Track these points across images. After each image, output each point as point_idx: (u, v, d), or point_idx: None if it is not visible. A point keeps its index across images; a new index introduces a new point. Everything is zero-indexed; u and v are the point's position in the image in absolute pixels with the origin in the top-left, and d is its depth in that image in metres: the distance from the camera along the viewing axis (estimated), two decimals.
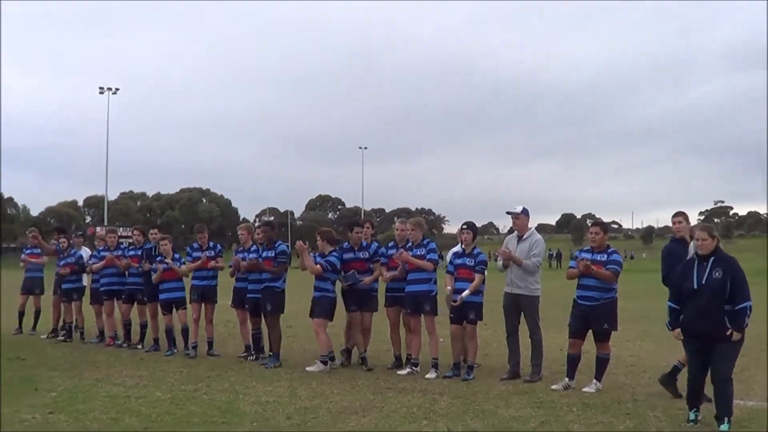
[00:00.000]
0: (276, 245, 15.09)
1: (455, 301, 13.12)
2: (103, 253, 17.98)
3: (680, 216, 12.17)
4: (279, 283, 14.88)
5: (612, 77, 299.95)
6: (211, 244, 16.64)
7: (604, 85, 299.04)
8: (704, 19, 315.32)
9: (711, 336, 9.47)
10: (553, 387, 12.15)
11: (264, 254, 15.02)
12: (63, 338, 18.68)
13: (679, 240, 11.98)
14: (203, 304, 16.27)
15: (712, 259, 9.67)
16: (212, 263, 16.26)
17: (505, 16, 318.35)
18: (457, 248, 13.79)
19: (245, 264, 15.22)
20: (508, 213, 13.69)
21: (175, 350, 16.29)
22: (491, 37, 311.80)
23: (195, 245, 16.59)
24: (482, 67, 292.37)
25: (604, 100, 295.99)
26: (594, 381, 12.15)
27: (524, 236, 13.45)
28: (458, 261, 13.47)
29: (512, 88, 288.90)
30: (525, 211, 13.58)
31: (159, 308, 16.79)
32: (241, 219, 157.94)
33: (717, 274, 9.53)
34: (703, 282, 9.57)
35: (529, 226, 13.64)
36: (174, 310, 16.42)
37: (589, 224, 13.59)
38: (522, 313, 13.32)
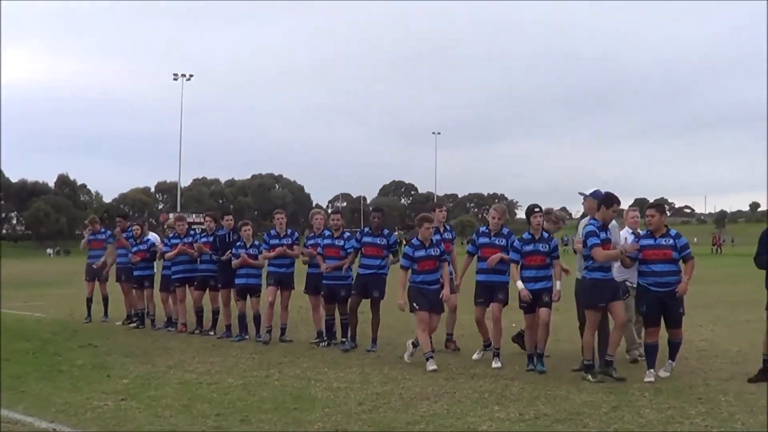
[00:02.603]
0: (386, 234, 15.12)
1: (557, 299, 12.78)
2: (174, 241, 18.06)
3: None
4: (386, 269, 14.88)
5: (691, 62, 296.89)
6: (289, 231, 16.51)
7: (681, 70, 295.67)
8: None
9: None
10: (647, 380, 11.48)
11: (378, 241, 14.91)
12: (135, 325, 18.86)
13: None
14: (280, 290, 16.19)
15: None
16: (290, 252, 16.19)
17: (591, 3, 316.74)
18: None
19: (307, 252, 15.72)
20: (580, 194, 13.16)
21: (246, 336, 16.37)
22: (570, 23, 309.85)
23: (273, 232, 16.43)
24: (559, 56, 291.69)
25: (682, 85, 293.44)
26: (669, 361, 11.97)
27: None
28: (528, 248, 12.80)
29: (589, 76, 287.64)
30: (596, 194, 12.62)
31: (232, 294, 16.85)
32: (314, 204, 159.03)
33: None
34: None
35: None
36: (248, 296, 16.47)
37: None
38: None
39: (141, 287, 18.99)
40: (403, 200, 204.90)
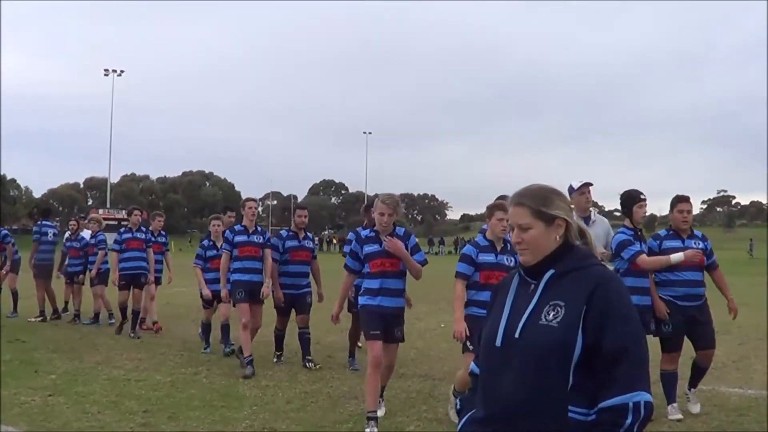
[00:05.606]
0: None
1: None
2: (101, 236, 17.97)
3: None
4: None
5: (620, 70, 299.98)
6: (259, 228, 13.21)
7: (610, 74, 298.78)
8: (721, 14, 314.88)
9: None
10: (674, 417, 9.24)
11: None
12: (55, 318, 18.76)
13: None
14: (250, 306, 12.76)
15: (550, 274, 3.49)
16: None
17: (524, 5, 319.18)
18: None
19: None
20: (588, 184, 9.94)
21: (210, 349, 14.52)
22: (501, 27, 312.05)
23: (239, 227, 13.19)
24: (490, 59, 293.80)
25: (612, 91, 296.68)
26: (692, 390, 9.96)
27: (592, 218, 10.04)
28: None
29: (522, 81, 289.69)
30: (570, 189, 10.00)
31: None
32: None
33: (553, 315, 3.33)
34: (518, 334, 3.39)
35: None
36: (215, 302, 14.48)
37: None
38: None
39: (72, 283, 18.78)
40: (333, 199, 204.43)
